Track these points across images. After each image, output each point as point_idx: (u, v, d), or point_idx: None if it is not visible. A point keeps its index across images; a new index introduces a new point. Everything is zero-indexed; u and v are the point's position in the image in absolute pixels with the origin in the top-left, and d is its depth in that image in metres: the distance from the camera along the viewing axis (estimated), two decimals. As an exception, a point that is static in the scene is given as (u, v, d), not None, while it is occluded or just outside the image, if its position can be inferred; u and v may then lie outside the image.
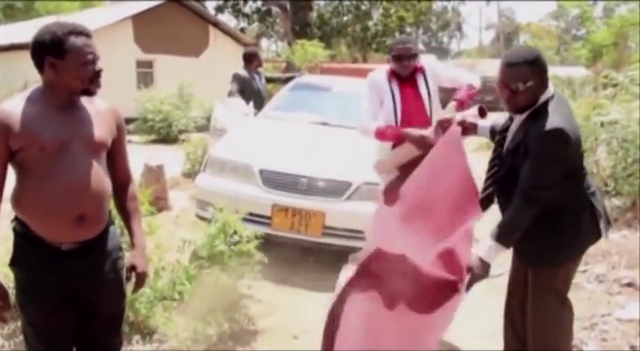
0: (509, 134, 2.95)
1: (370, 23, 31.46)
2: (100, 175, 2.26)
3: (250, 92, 7.06)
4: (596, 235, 3.00)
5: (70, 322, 2.34)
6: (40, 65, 2.16)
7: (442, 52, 63.63)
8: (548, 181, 2.71)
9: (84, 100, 2.27)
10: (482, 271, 2.82)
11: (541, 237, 2.86)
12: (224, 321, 3.77)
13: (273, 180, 4.85)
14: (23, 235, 2.23)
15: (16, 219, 2.26)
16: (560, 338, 3.16)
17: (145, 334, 3.65)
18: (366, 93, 4.03)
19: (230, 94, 7.05)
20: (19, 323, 3.06)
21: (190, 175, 8.36)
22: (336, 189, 4.71)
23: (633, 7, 12.42)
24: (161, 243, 4.22)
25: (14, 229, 2.27)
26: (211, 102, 7.64)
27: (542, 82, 2.75)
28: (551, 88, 2.81)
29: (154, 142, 13.32)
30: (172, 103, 13.81)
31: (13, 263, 2.27)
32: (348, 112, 5.64)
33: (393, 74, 3.95)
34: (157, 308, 3.66)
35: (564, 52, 48.26)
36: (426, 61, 4.07)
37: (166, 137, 13.19)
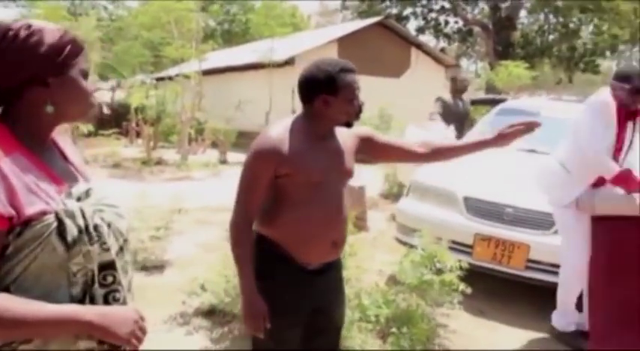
0: None
1: (578, 42, 29.73)
2: (346, 204, 2.43)
3: (452, 116, 7.02)
4: None
5: (299, 336, 2.46)
6: (309, 99, 2.30)
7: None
8: None
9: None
10: None
11: None
12: (419, 348, 3.73)
13: (478, 208, 4.73)
14: (272, 253, 2.35)
15: (261, 237, 2.37)
16: None
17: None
18: (593, 117, 3.77)
19: (431, 116, 7.07)
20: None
21: (388, 196, 8.46)
22: (544, 221, 4.47)
23: None
24: (360, 264, 4.31)
25: (261, 248, 2.36)
26: (414, 123, 7.70)
27: None
28: None
29: (360, 161, 13.60)
30: (373, 123, 14.07)
31: (262, 279, 2.35)
32: (558, 139, 5.34)
33: (620, 108, 3.72)
34: (354, 330, 3.71)
35: None
36: None
37: (365, 158, 13.37)
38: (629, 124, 3.82)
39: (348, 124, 2.37)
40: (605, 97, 3.78)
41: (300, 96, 2.33)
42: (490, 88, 18.50)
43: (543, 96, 8.26)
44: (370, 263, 4.77)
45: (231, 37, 35.32)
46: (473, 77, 32.19)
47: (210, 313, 4.29)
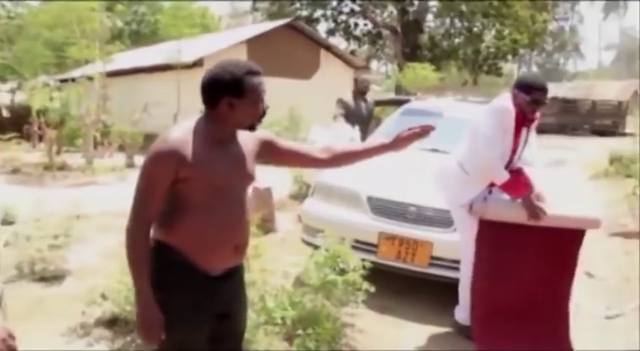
0: None
1: (482, 45, 30.89)
2: (248, 208, 2.39)
3: (354, 117, 7.08)
4: None
5: (204, 343, 2.40)
6: (213, 102, 2.24)
7: (557, 74, 61.52)
8: None
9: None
10: None
11: None
12: (325, 348, 3.74)
13: (381, 208, 4.80)
14: (173, 261, 2.26)
15: (160, 244, 2.27)
16: None
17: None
18: (492, 123, 3.90)
19: (335, 118, 7.11)
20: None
21: (297, 197, 8.45)
22: (446, 219, 4.58)
23: None
24: (266, 267, 4.28)
25: (160, 255, 2.26)
26: (321, 124, 7.75)
27: None
28: None
29: (265, 163, 13.55)
30: (282, 125, 14.11)
31: (163, 287, 2.25)
32: (460, 139, 5.50)
33: (518, 114, 3.88)
34: (260, 333, 3.67)
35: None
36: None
37: (266, 160, 13.34)
38: (524, 129, 4.00)
39: (252, 128, 2.32)
40: (505, 103, 3.93)
41: (204, 98, 2.27)
42: (399, 89, 18.91)
43: (450, 97, 8.49)
44: (277, 265, 4.74)
45: (139, 37, 34.37)
46: (383, 79, 32.76)
47: (112, 322, 4.14)
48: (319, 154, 2.65)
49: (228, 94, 2.20)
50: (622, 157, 13.04)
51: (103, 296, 4.23)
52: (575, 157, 15.19)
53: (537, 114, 4.00)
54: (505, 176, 3.80)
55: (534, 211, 3.73)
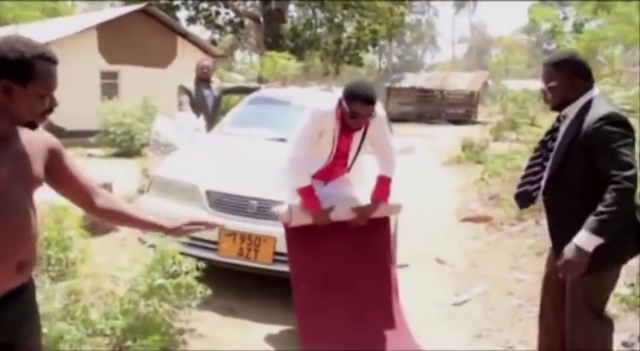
0: (560, 134, 3.03)
1: (343, 36, 31.47)
2: (35, 217, 2.02)
3: (197, 106, 6.79)
4: (637, 249, 2.99)
5: None
6: None
7: (415, 65, 64.27)
8: (628, 160, 2.73)
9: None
10: (578, 257, 2.77)
11: None
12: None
13: (221, 202, 4.54)
14: None
15: None
16: None
17: (69, 377, 3.28)
18: (306, 124, 3.82)
19: (180, 105, 6.79)
20: None
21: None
22: (290, 212, 4.39)
23: (602, 23, 12.41)
24: (95, 272, 3.89)
25: None
26: (170, 115, 7.39)
27: (572, 84, 2.94)
28: (596, 89, 3.01)
29: (115, 155, 13.01)
30: (136, 115, 13.46)
31: None
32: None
33: (342, 117, 3.71)
34: (86, 346, 3.28)
35: (536, 66, 48.88)
36: (378, 116, 3.82)
37: (128, 151, 12.85)
38: (358, 133, 3.84)
39: (32, 125, 1.94)
40: (326, 107, 3.79)
41: None
42: (261, 79, 18.74)
43: (315, 86, 8.45)
44: (112, 269, 4.34)
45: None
46: (248, 68, 32.52)
47: None
48: (95, 199, 2.25)
49: (8, 77, 1.81)
50: (473, 144, 13.62)
51: None
52: (430, 145, 15.78)
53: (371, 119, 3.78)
54: (300, 183, 3.77)
55: (320, 220, 3.81)
